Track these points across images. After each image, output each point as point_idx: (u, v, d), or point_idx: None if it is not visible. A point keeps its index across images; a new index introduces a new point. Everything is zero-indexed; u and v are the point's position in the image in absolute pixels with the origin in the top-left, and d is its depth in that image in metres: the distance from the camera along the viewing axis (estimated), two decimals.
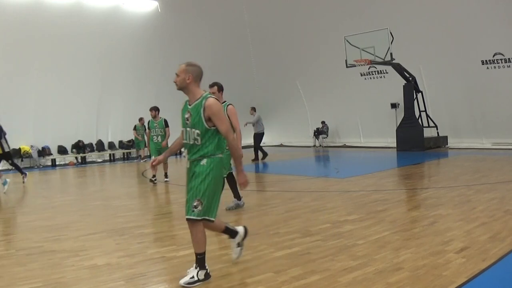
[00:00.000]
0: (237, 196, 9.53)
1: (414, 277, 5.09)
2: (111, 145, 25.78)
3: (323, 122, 27.61)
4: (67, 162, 23.96)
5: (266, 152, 20.34)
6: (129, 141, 25.97)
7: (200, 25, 27.08)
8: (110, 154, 25.61)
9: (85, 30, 23.74)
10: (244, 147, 24.53)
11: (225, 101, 9.00)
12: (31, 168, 22.50)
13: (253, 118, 20.22)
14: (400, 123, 22.40)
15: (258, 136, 20.19)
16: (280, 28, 27.31)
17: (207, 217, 5.30)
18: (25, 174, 15.91)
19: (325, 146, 27.15)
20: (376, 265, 5.55)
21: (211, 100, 5.22)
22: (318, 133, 27.81)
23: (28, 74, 22.38)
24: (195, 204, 5.20)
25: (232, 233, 5.84)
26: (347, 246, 6.43)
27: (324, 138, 27.52)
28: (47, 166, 23.44)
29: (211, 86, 8.93)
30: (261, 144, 20.98)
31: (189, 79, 5.30)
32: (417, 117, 22.15)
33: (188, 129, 5.35)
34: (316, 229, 7.53)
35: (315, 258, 5.97)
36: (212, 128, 5.25)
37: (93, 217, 9.55)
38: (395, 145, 22.71)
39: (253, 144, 20.62)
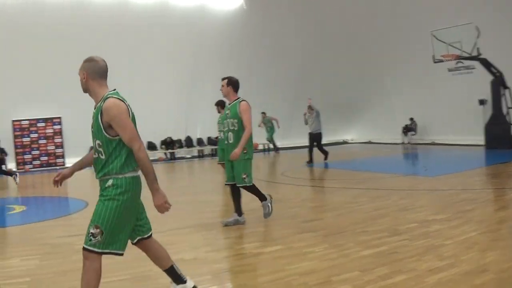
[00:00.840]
0: (238, 210, 8.31)
1: (499, 280, 4.92)
2: (200, 141, 26.25)
3: (411, 119, 26.91)
4: (156, 157, 24.60)
5: (327, 151, 18.78)
6: (217, 138, 26.35)
7: (286, 21, 27.05)
8: (198, 150, 26.07)
9: (173, 28, 24.36)
10: (298, 148, 24.70)
11: (238, 98, 8.12)
12: None
13: (311, 116, 18.51)
14: (489, 120, 21.47)
15: (316, 136, 18.46)
16: (366, 24, 26.83)
17: (112, 250, 4.30)
18: (16, 175, 16.15)
19: (413, 143, 26.47)
20: (462, 266, 5.40)
21: (110, 101, 4.18)
22: (406, 130, 27.14)
23: (120, 72, 23.16)
24: (92, 231, 4.15)
25: (177, 279, 4.81)
26: (434, 246, 6.27)
27: (413, 135, 26.82)
28: None
29: (222, 79, 8.21)
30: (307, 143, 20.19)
31: (84, 77, 4.34)
32: (505, 114, 21.15)
33: (93, 139, 4.37)
34: (403, 228, 7.37)
35: (402, 257, 5.85)
36: (116, 138, 4.20)
37: (182, 212, 9.73)
38: (483, 142, 21.81)
39: (308, 144, 18.75)
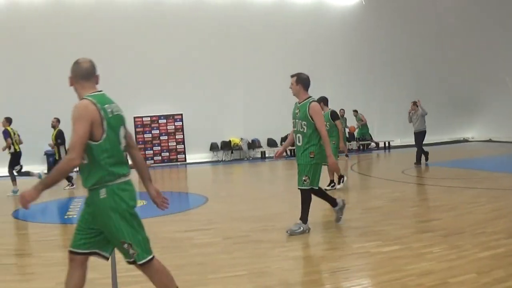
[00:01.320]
0: (304, 217, 7.67)
1: None
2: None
3: None
4: (272, 155, 24.82)
5: (427, 151, 17.48)
6: None
7: (404, 16, 26.46)
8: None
9: (289, 27, 24.70)
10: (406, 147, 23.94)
11: (308, 97, 7.60)
12: (240, 160, 23.78)
13: (415, 114, 17.27)
14: None
15: (421, 135, 17.30)
16: (489, 18, 25.60)
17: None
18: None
19: None
20: None
21: (76, 104, 3.92)
22: None
23: (235, 69, 23.75)
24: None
25: None
26: None
27: None
28: (257, 158, 24.56)
29: (291, 76, 7.69)
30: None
31: (70, 82, 4.16)
32: None
33: None
34: None
35: None
36: (93, 142, 3.95)
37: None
38: None
39: (415, 144, 17.69)
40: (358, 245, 6.78)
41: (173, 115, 23.28)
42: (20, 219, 10.34)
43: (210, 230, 7.84)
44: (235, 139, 24.15)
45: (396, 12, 26.09)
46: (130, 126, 20.19)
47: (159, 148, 23.28)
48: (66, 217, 10.44)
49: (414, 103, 17.22)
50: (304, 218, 7.60)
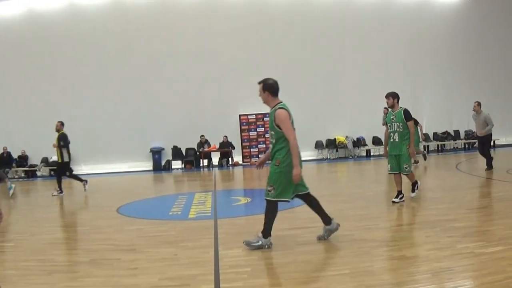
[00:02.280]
0: (266, 231, 7.11)
1: None
2: (426, 137, 25.60)
3: None
4: (381, 153, 24.43)
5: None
6: (443, 133, 25.56)
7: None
8: (424, 146, 25.45)
9: (395, 26, 24.51)
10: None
11: (276, 103, 7.30)
12: (345, 158, 23.63)
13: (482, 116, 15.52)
14: None
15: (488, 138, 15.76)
16: None
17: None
18: (86, 181, 15.66)
19: None
20: None
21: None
22: None
23: (342, 67, 23.64)
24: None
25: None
26: None
27: None
28: (362, 156, 24.34)
29: (258, 83, 7.53)
30: None
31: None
32: None
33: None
34: None
35: None
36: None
37: (405, 208, 9.80)
38: None
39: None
40: (463, 245, 6.62)
41: None
42: (125, 215, 10.80)
43: (314, 228, 7.82)
44: (340, 137, 24.02)
45: (502, 7, 25.16)
46: (235, 124, 20.92)
47: (263, 146, 23.63)
48: (170, 213, 10.79)
49: (478, 103, 15.62)
50: (265, 232, 7.10)
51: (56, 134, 15.25)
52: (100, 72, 23.50)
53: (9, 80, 24.31)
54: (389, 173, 10.67)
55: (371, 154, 24.46)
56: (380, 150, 24.16)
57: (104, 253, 7.33)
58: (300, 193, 7.21)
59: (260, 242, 7.01)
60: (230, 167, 22.96)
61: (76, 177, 15.91)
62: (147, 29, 23.44)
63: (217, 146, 23.24)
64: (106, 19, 23.49)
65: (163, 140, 24.08)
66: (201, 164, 23.49)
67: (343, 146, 24.12)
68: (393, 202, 10.22)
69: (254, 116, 23.68)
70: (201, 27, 23.53)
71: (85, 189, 15.29)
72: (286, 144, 6.94)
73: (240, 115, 23.63)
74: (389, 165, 10.55)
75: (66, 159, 15.15)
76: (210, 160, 23.59)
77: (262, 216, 7.04)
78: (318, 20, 23.74)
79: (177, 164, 24.07)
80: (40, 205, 14.12)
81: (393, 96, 10.38)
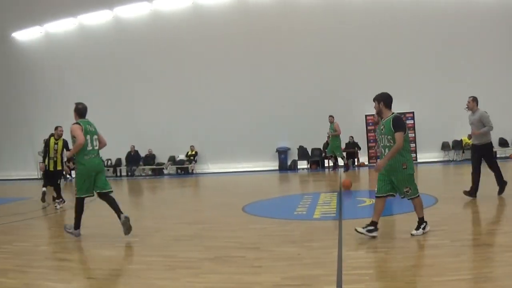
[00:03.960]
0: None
1: None
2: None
3: None
4: (507, 154, 23.25)
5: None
6: None
7: None
8: None
9: None
10: None
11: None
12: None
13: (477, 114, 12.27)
14: None
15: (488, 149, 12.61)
16: None
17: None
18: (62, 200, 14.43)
19: None
20: None
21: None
22: None
23: (466, 66, 22.85)
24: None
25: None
26: None
27: None
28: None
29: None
30: None
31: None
32: None
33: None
34: None
35: None
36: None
37: None
38: None
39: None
40: None
41: (404, 113, 23.05)
42: (250, 214, 11.08)
43: (438, 232, 7.71)
44: (467, 139, 23.18)
45: None
46: (361, 124, 20.81)
47: None
48: (295, 213, 10.91)
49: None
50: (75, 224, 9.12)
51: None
52: (228, 73, 24.19)
53: (137, 82, 25.72)
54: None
55: (497, 156, 23.27)
56: (507, 152, 23.06)
57: (228, 250, 7.56)
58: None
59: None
60: (356, 168, 22.86)
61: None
62: (273, 30, 23.81)
63: (343, 146, 23.14)
64: (233, 21, 24.10)
65: (290, 140, 24.38)
66: (327, 164, 23.58)
67: (470, 147, 23.15)
68: (359, 232, 7.80)
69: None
70: (329, 26, 23.56)
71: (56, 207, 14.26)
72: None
73: (366, 115, 23.47)
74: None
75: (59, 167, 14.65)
76: (336, 160, 23.60)
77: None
78: (443, 16, 23.05)
79: (302, 164, 24.26)
80: (166, 202, 14.82)
81: (378, 100, 8.13)
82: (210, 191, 15.11)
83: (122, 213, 8.94)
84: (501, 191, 11.44)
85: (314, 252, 7.15)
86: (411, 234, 7.77)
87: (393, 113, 8.00)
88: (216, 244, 8.12)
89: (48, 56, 28.05)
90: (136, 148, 25.74)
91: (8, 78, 29.37)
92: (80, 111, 9.41)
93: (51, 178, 14.41)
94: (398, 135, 7.72)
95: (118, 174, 26.93)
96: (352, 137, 23.09)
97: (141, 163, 25.82)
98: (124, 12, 26.02)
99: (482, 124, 11.47)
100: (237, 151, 24.10)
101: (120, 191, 20.00)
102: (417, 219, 7.87)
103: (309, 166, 23.98)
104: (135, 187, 20.66)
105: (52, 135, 14.47)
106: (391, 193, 7.98)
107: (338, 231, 8.56)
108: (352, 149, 23.14)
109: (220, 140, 24.18)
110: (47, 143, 14.31)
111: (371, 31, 23.20)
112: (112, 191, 9.40)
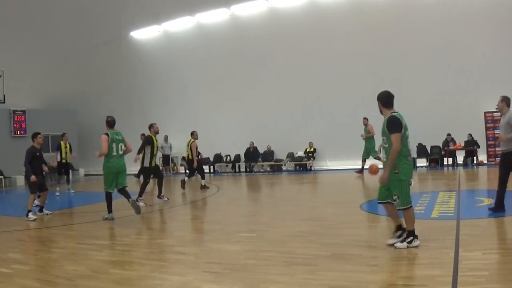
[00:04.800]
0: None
1: None
2: None
3: None
4: None
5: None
6: None
7: None
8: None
9: None
10: None
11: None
12: None
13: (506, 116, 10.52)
14: None
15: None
16: None
17: None
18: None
19: None
20: None
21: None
22: None
23: None
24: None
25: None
26: None
27: None
28: None
29: None
30: None
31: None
32: None
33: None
34: None
35: None
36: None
37: None
38: None
39: None
40: None
41: None
42: (368, 212, 10.94)
43: None
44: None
45: None
46: (480, 121, 19.87)
47: None
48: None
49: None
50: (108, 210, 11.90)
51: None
52: (349, 71, 23.96)
53: (257, 80, 26.11)
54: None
55: None
56: None
57: (345, 248, 7.50)
58: None
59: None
60: (475, 166, 21.99)
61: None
62: (382, 27, 23.30)
63: (462, 144, 22.31)
64: (353, 15, 23.86)
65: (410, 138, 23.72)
66: (446, 163, 22.79)
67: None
68: (393, 246, 7.35)
69: (499, 114, 22.19)
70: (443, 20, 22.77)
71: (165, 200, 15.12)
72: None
73: (485, 112, 22.41)
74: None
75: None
76: (454, 158, 22.88)
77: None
78: None
79: (421, 162, 23.60)
80: (283, 198, 14.90)
81: (377, 99, 7.78)
82: (328, 188, 15.01)
83: (130, 197, 11.86)
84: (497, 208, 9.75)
85: (431, 252, 6.93)
86: (392, 245, 7.30)
87: (392, 112, 7.54)
88: (332, 241, 8.07)
89: (165, 55, 29.11)
90: (255, 145, 26.05)
91: (126, 76, 30.83)
92: (110, 123, 12.01)
93: (154, 173, 15.19)
94: (394, 137, 7.32)
95: (237, 170, 27.33)
96: (470, 134, 22.17)
97: (259, 159, 26.13)
98: (241, 10, 26.28)
99: (510, 127, 9.85)
100: (354, 148, 23.80)
101: (239, 187, 20.46)
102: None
103: (428, 164, 23.30)
104: (253, 183, 20.91)
105: (156, 132, 15.16)
106: (389, 200, 7.51)
107: (455, 231, 8.25)
108: (471, 147, 22.23)
109: (339, 137, 23.97)
110: (150, 140, 14.83)
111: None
112: (126, 186, 12.01)
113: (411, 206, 7.37)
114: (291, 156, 25.92)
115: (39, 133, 13.42)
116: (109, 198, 11.88)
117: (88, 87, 32.04)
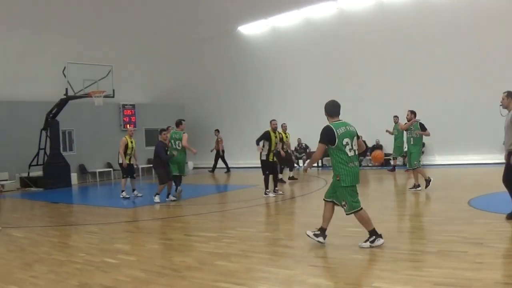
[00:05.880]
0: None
1: None
2: None
3: None
4: None
5: None
6: None
7: None
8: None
9: None
10: None
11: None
12: None
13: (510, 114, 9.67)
14: None
15: None
16: None
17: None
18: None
19: None
20: None
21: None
22: None
23: None
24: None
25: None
26: None
27: None
28: None
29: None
30: None
31: None
32: None
33: None
34: None
35: None
36: None
37: None
38: None
39: None
40: None
41: None
42: (476, 208, 10.82)
43: None
44: None
45: None
46: None
47: None
48: None
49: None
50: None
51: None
52: (461, 64, 23.42)
53: (364, 77, 26.12)
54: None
55: None
56: None
57: (451, 244, 7.53)
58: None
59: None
60: None
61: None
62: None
63: None
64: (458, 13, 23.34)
65: None
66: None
67: None
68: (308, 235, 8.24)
69: None
70: None
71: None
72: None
73: None
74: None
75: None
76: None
77: None
78: None
79: None
80: (391, 193, 14.86)
81: (324, 108, 8.25)
82: (436, 183, 14.78)
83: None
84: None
85: None
86: (359, 245, 7.74)
87: (332, 122, 7.97)
88: (439, 237, 8.11)
89: (273, 50, 29.56)
90: (363, 139, 25.82)
91: (234, 70, 31.58)
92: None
93: (270, 168, 15.70)
94: (318, 145, 7.90)
95: None
96: None
97: (368, 153, 26.00)
98: (349, 4, 26.15)
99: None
100: (465, 143, 23.20)
101: None
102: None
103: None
104: (361, 178, 20.78)
105: (274, 129, 15.83)
106: (333, 201, 8.10)
107: None
108: None
109: (448, 132, 23.44)
110: (267, 136, 15.47)
111: None
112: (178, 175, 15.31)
113: (360, 209, 7.84)
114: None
115: (164, 129, 15.26)
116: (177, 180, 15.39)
117: (196, 82, 33.10)
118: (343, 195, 7.89)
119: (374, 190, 16.73)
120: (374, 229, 7.82)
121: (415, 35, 24.25)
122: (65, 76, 21.24)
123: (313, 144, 26.27)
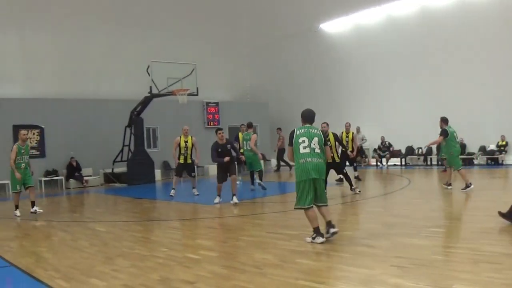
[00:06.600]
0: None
1: None
2: None
3: None
4: None
5: None
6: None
7: None
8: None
9: None
10: None
11: None
12: None
13: None
14: None
15: None
16: None
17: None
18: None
19: None
20: None
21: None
22: None
23: None
24: None
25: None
26: None
27: None
28: None
29: None
30: None
31: None
32: None
33: None
34: None
35: None
36: None
37: None
38: None
39: None
40: None
41: None
42: None
43: None
44: None
45: None
46: None
47: None
48: None
49: None
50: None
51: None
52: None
53: (446, 74, 25.73)
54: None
55: None
56: None
57: None
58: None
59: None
60: None
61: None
62: None
63: None
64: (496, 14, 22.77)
65: None
66: None
67: None
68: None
69: None
70: None
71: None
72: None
73: None
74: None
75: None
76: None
77: None
78: None
79: None
80: (474, 193, 14.46)
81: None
82: None
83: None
84: None
85: None
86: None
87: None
88: None
89: (354, 47, 29.55)
90: (464, 142, 25.34)
91: (316, 68, 31.69)
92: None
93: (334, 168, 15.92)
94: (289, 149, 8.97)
95: (428, 163, 26.75)
96: None
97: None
98: (431, 1, 25.83)
99: None
100: None
101: (429, 180, 20.43)
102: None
103: None
104: (443, 177, 20.56)
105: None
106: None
107: None
108: None
109: None
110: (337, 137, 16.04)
111: None
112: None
113: (307, 208, 8.50)
114: (483, 149, 25.04)
115: (220, 129, 15.02)
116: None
117: (278, 80, 33.32)
118: (296, 188, 8.67)
119: (457, 190, 16.34)
120: (317, 227, 8.52)
121: (499, 32, 23.63)
122: (149, 74, 21.91)
123: (397, 142, 26.22)
